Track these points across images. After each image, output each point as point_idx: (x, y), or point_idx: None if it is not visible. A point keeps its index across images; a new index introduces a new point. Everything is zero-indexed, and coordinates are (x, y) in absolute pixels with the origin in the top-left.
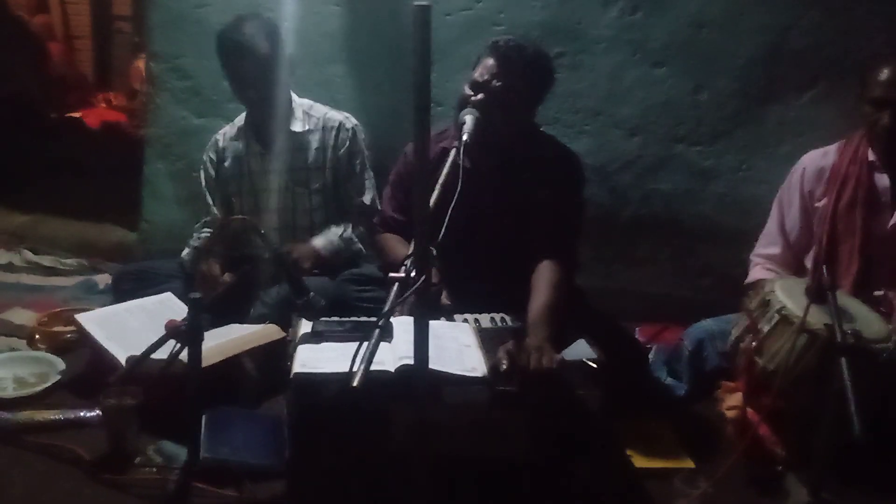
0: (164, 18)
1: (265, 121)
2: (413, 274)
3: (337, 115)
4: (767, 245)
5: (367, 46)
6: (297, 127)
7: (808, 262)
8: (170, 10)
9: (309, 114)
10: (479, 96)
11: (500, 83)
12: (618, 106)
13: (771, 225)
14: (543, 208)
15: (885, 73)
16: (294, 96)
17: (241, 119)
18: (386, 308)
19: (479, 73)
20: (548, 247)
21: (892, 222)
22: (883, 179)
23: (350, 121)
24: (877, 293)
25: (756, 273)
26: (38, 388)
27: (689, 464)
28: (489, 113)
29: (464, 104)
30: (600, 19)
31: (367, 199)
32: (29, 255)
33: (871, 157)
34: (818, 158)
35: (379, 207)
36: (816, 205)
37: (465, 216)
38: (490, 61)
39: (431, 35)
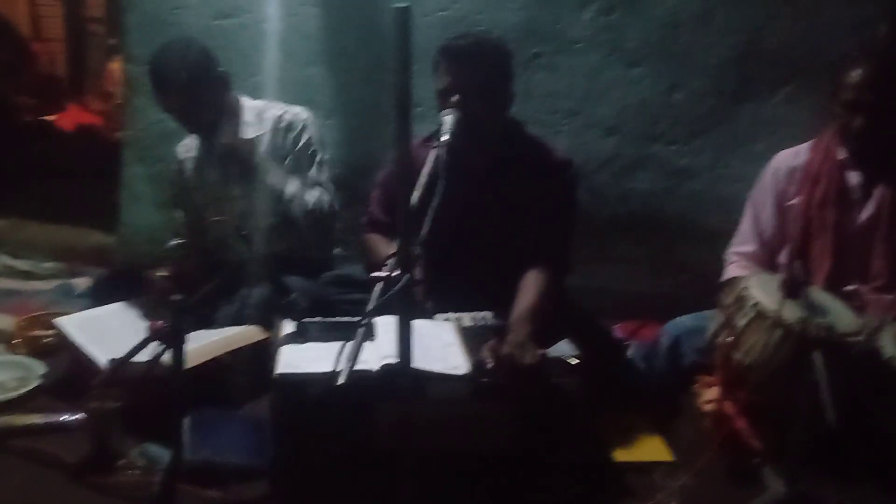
0: (141, 21)
1: (202, 135)
2: (395, 273)
3: (287, 115)
4: (742, 244)
5: (345, 47)
6: (247, 133)
7: (783, 260)
8: (146, 12)
9: (262, 116)
10: (454, 99)
11: (460, 78)
12: (595, 106)
13: (745, 225)
14: (535, 214)
15: (856, 76)
16: (245, 101)
17: None
18: (369, 307)
19: (441, 81)
20: (538, 254)
21: (862, 219)
22: (854, 177)
23: (300, 117)
24: (848, 288)
25: (732, 271)
26: (19, 393)
27: (668, 457)
28: (467, 111)
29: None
30: (577, 20)
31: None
32: (6, 259)
33: (842, 155)
34: (790, 158)
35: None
36: (789, 203)
37: (453, 217)
38: (443, 64)
39: (411, 37)
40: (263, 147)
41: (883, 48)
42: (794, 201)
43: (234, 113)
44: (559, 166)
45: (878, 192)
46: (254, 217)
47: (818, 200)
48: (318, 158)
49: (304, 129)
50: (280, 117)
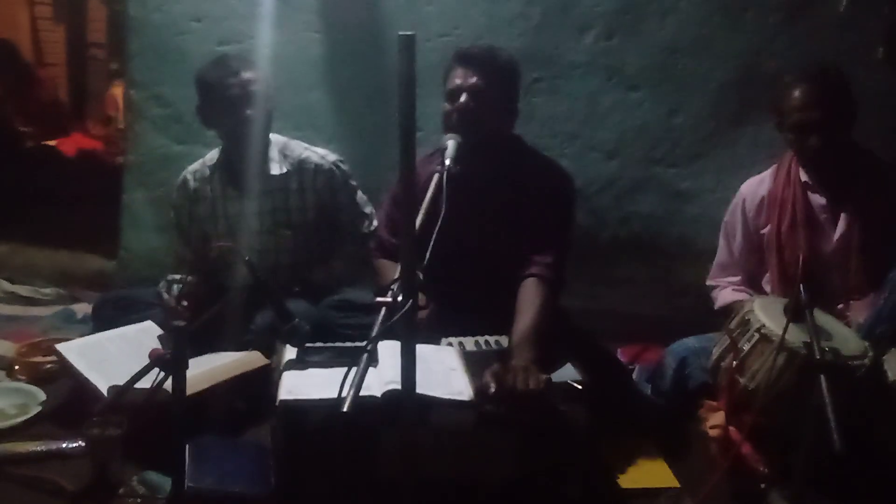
0: (144, 46)
1: (242, 161)
2: (399, 298)
3: (313, 156)
4: (725, 274)
5: (346, 73)
6: (274, 170)
7: (766, 286)
8: (149, 37)
9: (285, 154)
10: (463, 98)
11: (470, 82)
12: (595, 129)
13: (722, 256)
14: (533, 227)
15: (797, 98)
16: (271, 135)
17: (211, 158)
18: (374, 332)
19: (451, 82)
20: (535, 266)
21: (834, 238)
22: (818, 199)
23: (326, 160)
24: (839, 307)
25: (727, 295)
26: (19, 420)
27: (674, 483)
28: (473, 119)
29: (448, 119)
30: (577, 45)
31: (367, 226)
32: (6, 284)
33: (804, 177)
34: (756, 186)
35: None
36: (762, 232)
37: (456, 238)
38: (459, 69)
39: (415, 63)
40: (293, 185)
41: (816, 67)
42: (766, 229)
43: (265, 145)
44: (558, 181)
45: (844, 210)
46: (268, 252)
47: (787, 226)
48: (353, 204)
49: (332, 174)
50: (304, 157)
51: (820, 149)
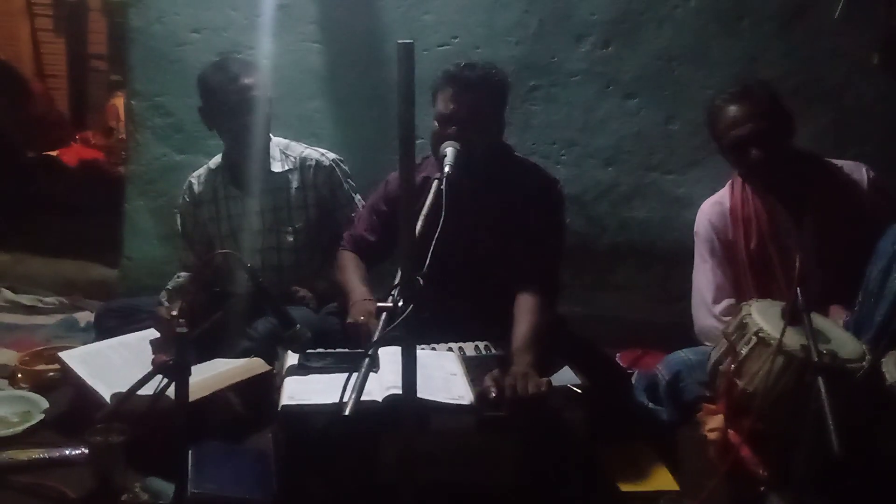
0: (145, 57)
1: (244, 161)
2: (400, 304)
3: (313, 154)
4: (721, 297)
5: (346, 82)
6: (276, 167)
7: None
8: (150, 48)
9: (286, 153)
10: (452, 129)
11: (464, 108)
12: (592, 137)
13: (712, 279)
14: (525, 234)
15: (728, 116)
16: (271, 136)
17: (215, 161)
18: (375, 338)
19: (443, 106)
20: (529, 272)
21: (801, 248)
22: (778, 210)
23: (327, 157)
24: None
25: None
26: (22, 428)
27: (674, 486)
28: (465, 140)
29: (438, 139)
30: (573, 53)
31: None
32: (8, 294)
33: (760, 193)
34: (717, 205)
35: None
36: (734, 250)
37: (448, 243)
38: (449, 91)
39: (414, 71)
40: (294, 183)
41: (741, 85)
42: (735, 248)
43: (266, 144)
44: (545, 186)
45: (806, 218)
46: (271, 250)
47: (756, 244)
48: (350, 201)
49: (332, 170)
50: (304, 154)
51: (763, 160)
